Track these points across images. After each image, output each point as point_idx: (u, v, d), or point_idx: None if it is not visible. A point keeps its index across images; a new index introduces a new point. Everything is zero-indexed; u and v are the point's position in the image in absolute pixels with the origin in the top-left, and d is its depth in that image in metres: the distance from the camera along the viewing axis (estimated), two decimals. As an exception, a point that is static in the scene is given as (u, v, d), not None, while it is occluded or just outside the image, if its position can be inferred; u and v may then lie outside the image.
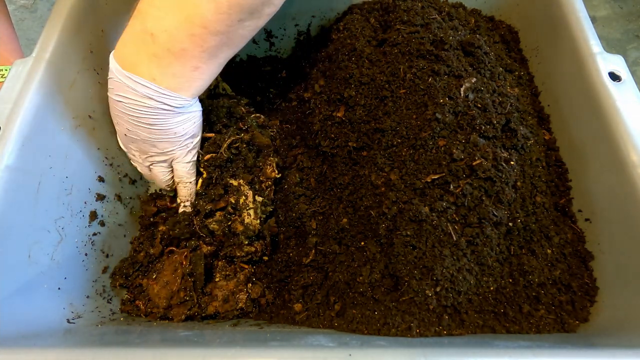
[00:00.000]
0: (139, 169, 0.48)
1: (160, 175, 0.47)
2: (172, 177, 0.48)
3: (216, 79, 0.56)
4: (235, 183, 0.48)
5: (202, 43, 0.37)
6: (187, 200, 0.49)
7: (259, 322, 0.43)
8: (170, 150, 0.44)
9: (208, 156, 0.48)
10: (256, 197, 0.48)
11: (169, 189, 0.50)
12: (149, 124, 0.41)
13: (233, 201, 0.46)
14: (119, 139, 0.46)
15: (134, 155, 0.46)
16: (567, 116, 0.48)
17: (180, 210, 0.49)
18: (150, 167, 0.47)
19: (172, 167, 0.47)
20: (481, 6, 0.60)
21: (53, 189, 0.41)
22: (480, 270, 0.40)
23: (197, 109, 0.44)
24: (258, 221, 0.47)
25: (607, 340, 0.36)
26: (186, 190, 0.48)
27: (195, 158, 0.47)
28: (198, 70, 0.39)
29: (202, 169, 0.48)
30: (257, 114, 0.54)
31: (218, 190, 0.48)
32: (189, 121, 0.43)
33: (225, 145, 0.48)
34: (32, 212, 0.38)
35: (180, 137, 0.43)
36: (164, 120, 0.41)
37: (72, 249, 0.42)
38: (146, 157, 0.45)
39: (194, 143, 0.46)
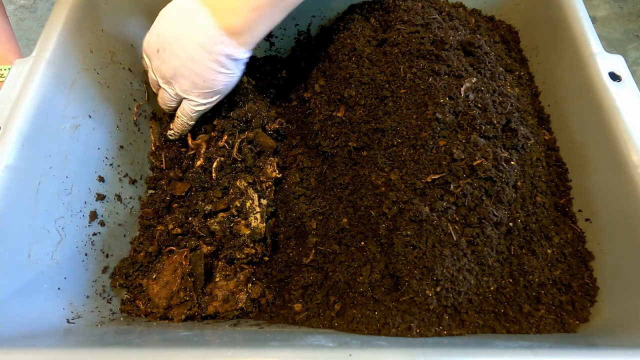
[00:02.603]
0: (149, 74, 0.47)
1: (165, 100, 0.46)
2: (175, 106, 0.47)
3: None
4: (241, 186, 0.48)
5: None
6: (177, 134, 0.50)
7: (259, 322, 0.43)
8: (188, 90, 0.43)
9: (217, 160, 0.48)
10: (261, 200, 0.48)
11: (166, 110, 0.49)
12: (186, 58, 0.39)
13: (239, 204, 0.47)
14: (146, 43, 0.44)
15: (150, 66, 0.45)
16: (567, 116, 0.48)
17: (168, 134, 0.51)
18: (159, 87, 0.45)
19: (180, 99, 0.46)
20: (481, 6, 0.60)
21: (53, 189, 0.41)
22: (481, 270, 0.40)
23: (237, 72, 0.43)
24: (264, 224, 0.47)
25: (607, 340, 0.36)
26: (181, 127, 0.49)
27: (207, 108, 0.46)
28: (258, 11, 0.37)
29: (213, 174, 0.49)
30: (269, 108, 0.55)
31: (217, 193, 0.48)
32: (225, 78, 0.42)
33: (235, 148, 0.49)
34: (32, 212, 0.38)
35: (207, 86, 0.42)
36: (203, 64, 0.39)
37: (72, 249, 0.42)
38: (162, 78, 0.44)
39: (214, 98, 0.45)
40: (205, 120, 0.51)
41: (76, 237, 0.43)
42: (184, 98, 0.45)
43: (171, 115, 0.51)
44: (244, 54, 0.41)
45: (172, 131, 0.51)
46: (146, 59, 0.46)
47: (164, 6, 0.42)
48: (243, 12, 0.37)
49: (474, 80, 0.45)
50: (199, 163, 0.50)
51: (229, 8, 0.37)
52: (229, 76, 0.42)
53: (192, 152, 0.51)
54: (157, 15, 0.43)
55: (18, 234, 0.36)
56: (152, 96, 0.58)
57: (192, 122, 0.49)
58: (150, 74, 0.46)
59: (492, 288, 0.40)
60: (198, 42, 0.38)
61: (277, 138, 0.54)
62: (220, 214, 0.47)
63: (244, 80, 0.57)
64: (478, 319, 0.39)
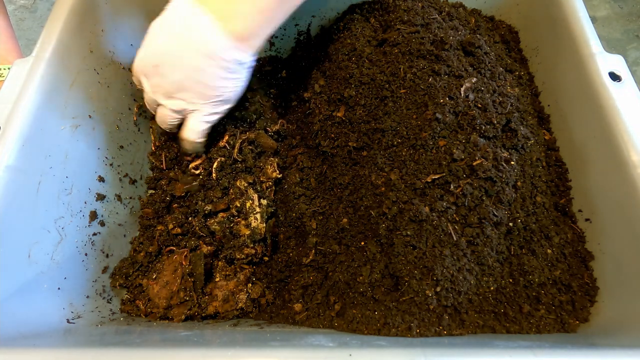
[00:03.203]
0: (145, 96, 0.44)
1: (165, 118, 0.43)
2: (177, 124, 0.45)
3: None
4: (241, 186, 0.48)
5: None
6: (194, 156, 0.47)
7: (259, 322, 0.43)
8: (196, 103, 0.41)
9: (217, 160, 0.48)
10: (261, 200, 0.48)
11: (167, 130, 0.47)
12: (190, 69, 0.37)
13: (239, 204, 0.47)
14: (139, 61, 0.42)
15: (146, 84, 0.42)
16: (567, 116, 0.48)
17: (190, 170, 0.48)
18: (158, 105, 0.43)
19: (183, 116, 0.43)
20: (481, 6, 0.60)
21: (53, 189, 0.41)
22: (481, 270, 0.40)
23: (245, 76, 0.41)
24: (264, 225, 0.47)
25: (607, 340, 0.37)
26: (192, 146, 0.46)
27: (216, 120, 0.44)
28: (264, 14, 0.36)
29: (214, 173, 0.49)
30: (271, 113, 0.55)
31: (217, 193, 0.48)
32: (233, 84, 0.40)
33: (236, 149, 0.49)
34: (32, 212, 0.38)
35: (215, 95, 0.40)
36: (210, 72, 0.37)
37: (72, 249, 0.42)
38: (163, 95, 0.41)
39: (224, 107, 0.43)
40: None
41: (76, 237, 0.43)
42: (192, 111, 0.43)
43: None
44: (251, 57, 0.40)
45: (192, 165, 0.49)
46: (141, 78, 0.43)
47: (164, 5, 0.42)
48: (250, 16, 0.36)
49: (474, 80, 0.45)
50: (195, 164, 0.50)
51: (235, 13, 0.36)
52: (237, 81, 0.41)
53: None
54: (154, 17, 0.42)
55: (18, 234, 0.36)
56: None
57: (203, 139, 0.46)
58: (147, 94, 0.44)
59: (492, 288, 0.40)
60: (203, 51, 0.37)
61: (278, 139, 0.54)
62: (220, 214, 0.47)
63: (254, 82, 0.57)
64: (478, 319, 0.39)
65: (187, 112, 0.43)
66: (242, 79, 0.42)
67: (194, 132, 0.44)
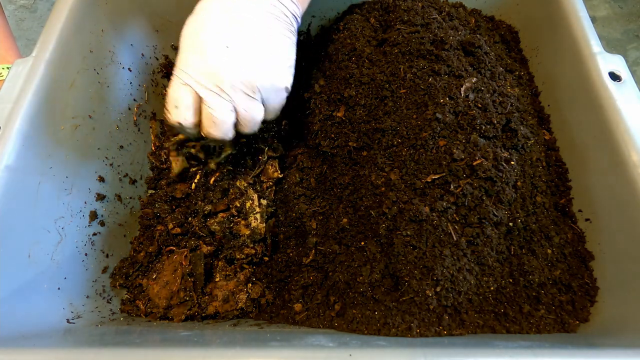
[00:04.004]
0: (174, 111, 0.38)
1: (259, 114, 0.38)
2: (232, 124, 0.39)
3: None
4: (241, 186, 0.48)
5: None
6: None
7: (259, 322, 0.43)
8: (273, 78, 0.36)
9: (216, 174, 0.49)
10: (261, 200, 0.48)
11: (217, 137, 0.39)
12: (265, 36, 0.35)
13: (238, 205, 0.47)
14: (190, 62, 0.37)
15: (212, 98, 0.36)
16: (567, 116, 0.48)
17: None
18: (215, 98, 0.36)
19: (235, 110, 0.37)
20: (481, 6, 0.60)
21: (53, 189, 0.41)
22: (481, 270, 0.40)
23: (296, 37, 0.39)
24: (264, 225, 0.47)
25: (607, 340, 0.36)
26: (251, 130, 0.39)
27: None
28: None
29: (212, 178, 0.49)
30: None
31: (216, 193, 0.48)
32: (294, 47, 0.38)
33: (256, 170, 0.49)
34: (32, 212, 0.38)
35: (290, 65, 0.38)
36: (281, 34, 0.36)
37: (72, 249, 0.42)
38: (246, 82, 0.36)
39: (292, 76, 0.39)
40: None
41: (76, 237, 0.43)
42: (272, 84, 0.38)
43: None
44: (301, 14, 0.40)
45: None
46: (192, 78, 0.37)
47: (164, 6, 0.42)
48: None
49: (474, 80, 0.45)
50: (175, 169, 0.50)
51: None
52: (295, 45, 0.39)
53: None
54: (154, 17, 0.41)
55: (18, 234, 0.36)
56: (152, 96, 0.58)
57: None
58: (219, 109, 0.37)
59: (492, 288, 0.40)
60: (271, 12, 0.35)
61: (279, 139, 0.54)
62: (220, 214, 0.47)
63: None
64: (478, 319, 0.39)
65: (270, 90, 0.38)
66: (295, 43, 0.39)
67: (276, 111, 0.40)
